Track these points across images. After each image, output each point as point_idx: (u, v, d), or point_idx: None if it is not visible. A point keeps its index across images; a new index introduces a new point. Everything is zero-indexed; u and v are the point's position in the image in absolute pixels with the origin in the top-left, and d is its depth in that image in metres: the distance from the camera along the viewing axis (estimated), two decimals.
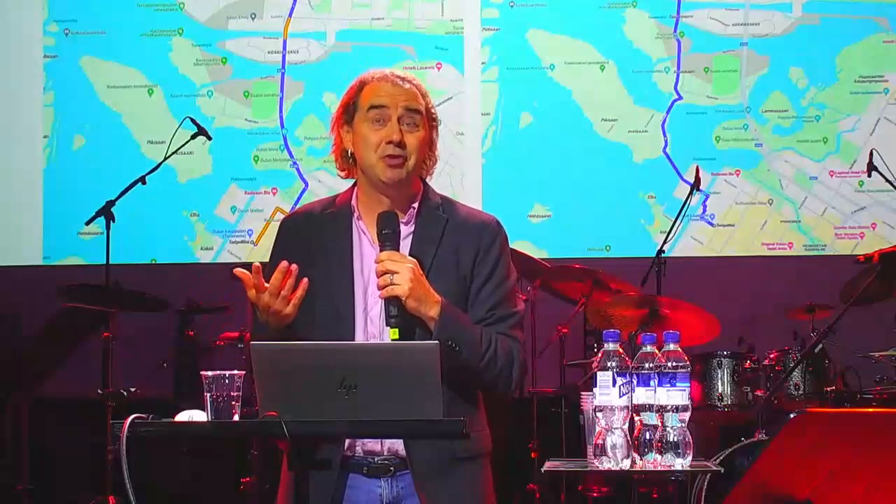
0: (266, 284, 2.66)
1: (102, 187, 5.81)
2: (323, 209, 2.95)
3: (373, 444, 2.77)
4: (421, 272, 2.71)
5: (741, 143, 6.43)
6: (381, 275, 2.69)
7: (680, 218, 5.59)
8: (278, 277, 2.64)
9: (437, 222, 2.87)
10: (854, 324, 4.84)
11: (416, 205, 2.88)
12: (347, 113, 2.87)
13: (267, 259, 2.95)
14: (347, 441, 2.76)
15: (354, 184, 2.94)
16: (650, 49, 6.46)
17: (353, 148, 2.86)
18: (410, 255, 2.79)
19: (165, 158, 5.49)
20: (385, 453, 2.78)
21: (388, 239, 2.73)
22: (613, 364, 2.38)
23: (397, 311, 2.68)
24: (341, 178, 2.95)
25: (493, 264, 2.86)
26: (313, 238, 2.89)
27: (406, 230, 2.85)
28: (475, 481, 2.83)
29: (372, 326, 2.80)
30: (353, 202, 2.91)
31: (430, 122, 2.87)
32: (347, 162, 2.89)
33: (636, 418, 2.39)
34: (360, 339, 2.79)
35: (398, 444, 2.77)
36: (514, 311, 2.87)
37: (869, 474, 2.32)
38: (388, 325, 2.69)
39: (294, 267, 2.65)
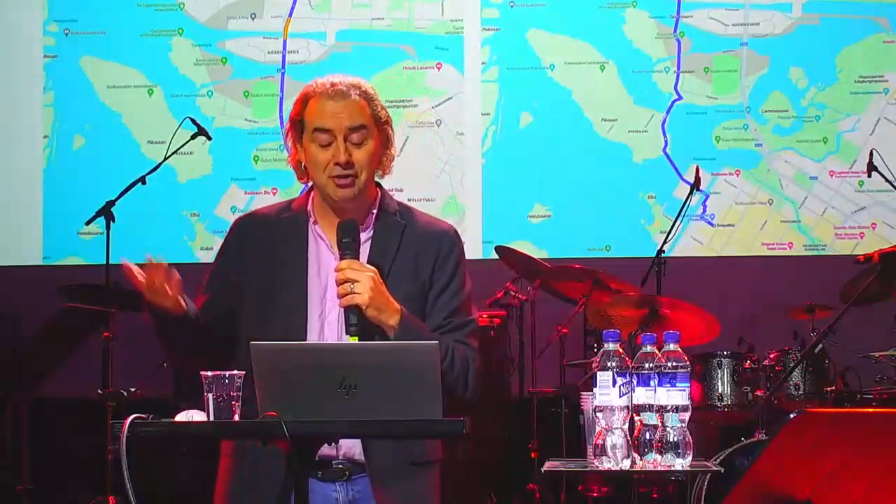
0: (139, 278, 2.69)
1: (102, 187, 5.80)
2: (278, 213, 2.94)
3: (328, 449, 2.75)
4: (381, 281, 2.72)
5: (741, 143, 6.43)
6: (341, 283, 2.69)
7: (680, 218, 5.59)
8: (151, 272, 2.68)
9: (395, 229, 2.88)
10: (854, 324, 4.84)
11: (374, 210, 2.89)
12: (296, 129, 2.87)
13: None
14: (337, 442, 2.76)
15: (311, 187, 2.93)
16: (650, 49, 6.46)
17: (305, 162, 2.86)
18: (369, 261, 2.79)
19: (165, 158, 5.49)
20: (340, 457, 2.78)
21: (348, 248, 2.73)
22: (613, 364, 2.38)
23: (357, 320, 2.68)
24: (301, 184, 2.95)
25: (452, 272, 2.88)
26: (267, 242, 2.88)
27: (364, 236, 2.85)
28: (429, 486, 2.85)
29: (328, 330, 2.81)
30: (310, 207, 2.90)
31: (378, 127, 2.85)
32: (304, 172, 2.89)
33: (636, 418, 2.39)
34: None
35: (354, 449, 2.77)
36: (471, 318, 2.90)
37: (869, 474, 2.32)
38: (347, 332, 2.69)
39: (161, 260, 2.69)
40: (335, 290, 2.72)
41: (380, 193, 2.92)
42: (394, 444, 2.71)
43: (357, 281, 2.67)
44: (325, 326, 2.81)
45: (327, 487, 2.79)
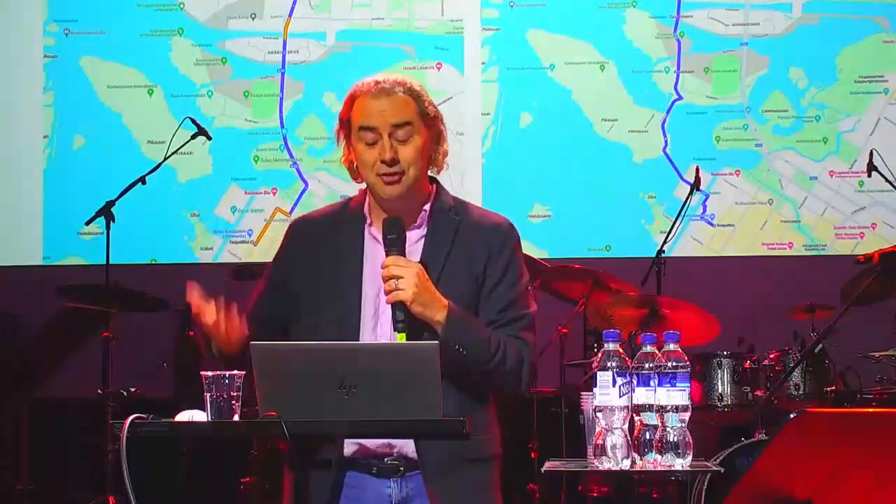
0: (206, 313, 2.68)
1: (102, 187, 5.80)
2: (335, 214, 2.94)
3: (382, 445, 2.77)
4: (426, 276, 2.71)
5: (741, 143, 6.43)
6: (386, 280, 2.69)
7: (680, 218, 5.59)
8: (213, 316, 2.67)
9: (449, 225, 2.85)
10: (854, 324, 4.83)
11: (427, 207, 2.87)
12: (345, 128, 2.85)
13: (266, 258, 2.97)
14: (357, 441, 2.76)
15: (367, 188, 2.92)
16: (650, 49, 6.46)
17: (356, 162, 2.85)
18: (422, 258, 2.78)
19: (165, 158, 5.49)
20: (394, 454, 2.77)
21: (393, 244, 2.72)
22: (613, 364, 2.38)
23: (404, 316, 2.68)
24: (356, 183, 2.93)
25: (505, 266, 2.85)
26: (323, 243, 2.88)
27: (418, 233, 2.84)
28: (485, 483, 2.83)
29: (381, 331, 2.80)
30: (366, 209, 2.89)
31: (426, 123, 2.82)
32: (357, 172, 2.88)
33: (636, 418, 2.39)
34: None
35: (408, 446, 2.76)
36: (526, 312, 2.86)
37: (869, 474, 2.32)
38: (395, 329, 2.69)
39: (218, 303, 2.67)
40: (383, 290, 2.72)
41: (435, 189, 2.90)
42: (446, 441, 2.66)
43: (401, 277, 2.67)
44: (379, 326, 2.80)
45: (381, 484, 2.78)
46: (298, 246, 2.91)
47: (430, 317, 2.69)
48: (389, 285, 2.68)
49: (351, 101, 2.83)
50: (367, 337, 2.79)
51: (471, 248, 2.84)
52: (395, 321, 2.69)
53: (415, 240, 2.82)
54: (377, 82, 2.81)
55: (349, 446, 2.76)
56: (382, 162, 2.77)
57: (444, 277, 2.77)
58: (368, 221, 2.87)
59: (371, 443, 2.76)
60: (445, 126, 2.90)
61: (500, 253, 2.85)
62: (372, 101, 2.79)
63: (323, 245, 2.88)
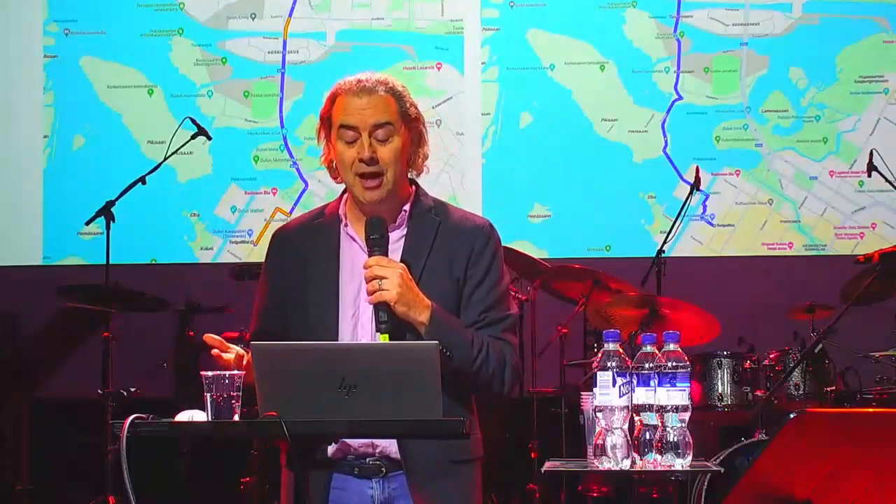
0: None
1: (102, 187, 5.80)
2: (312, 219, 2.95)
3: (365, 445, 2.76)
4: (410, 277, 2.70)
5: (741, 143, 6.43)
6: (369, 280, 2.68)
7: (680, 218, 5.59)
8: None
9: (429, 225, 2.85)
10: (854, 324, 4.84)
11: (407, 207, 2.87)
12: (325, 127, 2.85)
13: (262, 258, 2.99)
14: (338, 442, 2.76)
15: (345, 190, 2.92)
16: (650, 49, 6.46)
17: (335, 161, 2.85)
18: (403, 258, 2.78)
19: (165, 158, 5.49)
20: (377, 455, 2.77)
21: (376, 244, 2.72)
22: (613, 364, 2.38)
23: (387, 317, 2.67)
24: (336, 183, 2.93)
25: (486, 267, 2.84)
26: (302, 249, 2.89)
27: (398, 234, 2.84)
28: (468, 485, 2.83)
29: (361, 330, 2.80)
30: (342, 210, 2.90)
31: (407, 123, 2.82)
32: (336, 171, 2.88)
33: (636, 418, 2.39)
34: None
35: (391, 446, 2.76)
36: (507, 314, 2.86)
37: (869, 474, 2.32)
38: (377, 330, 2.68)
39: (217, 344, 2.66)
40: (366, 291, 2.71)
41: (414, 190, 2.90)
42: (431, 442, 2.67)
43: (385, 277, 2.66)
44: (359, 327, 2.80)
45: (363, 484, 2.78)
46: (280, 255, 2.93)
47: (414, 318, 2.68)
48: (373, 286, 2.67)
49: (332, 98, 2.82)
50: (346, 338, 2.78)
51: (451, 249, 2.83)
52: (377, 322, 2.68)
53: (395, 240, 2.81)
54: (359, 81, 2.80)
55: (332, 447, 2.76)
56: (361, 161, 2.76)
57: (425, 278, 2.77)
58: (344, 222, 2.87)
59: (353, 443, 2.75)
60: (426, 128, 2.90)
61: (481, 254, 2.84)
62: (353, 100, 2.78)
63: (301, 250, 2.88)
